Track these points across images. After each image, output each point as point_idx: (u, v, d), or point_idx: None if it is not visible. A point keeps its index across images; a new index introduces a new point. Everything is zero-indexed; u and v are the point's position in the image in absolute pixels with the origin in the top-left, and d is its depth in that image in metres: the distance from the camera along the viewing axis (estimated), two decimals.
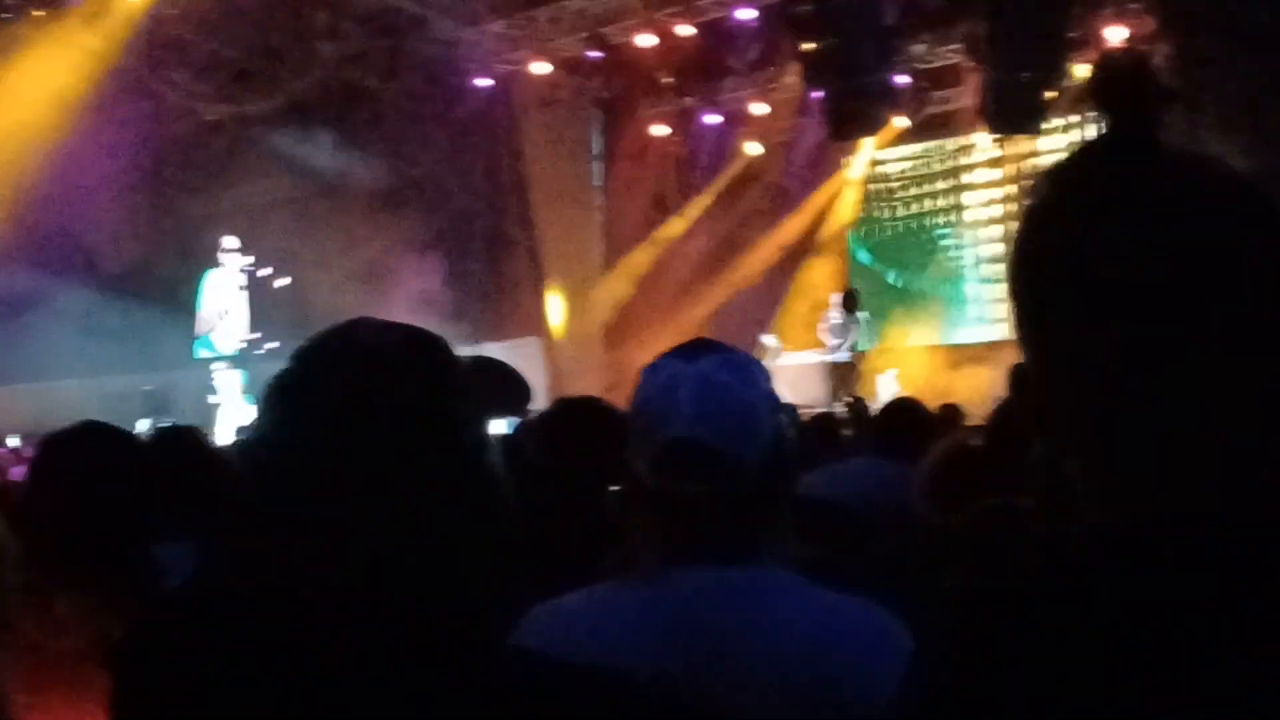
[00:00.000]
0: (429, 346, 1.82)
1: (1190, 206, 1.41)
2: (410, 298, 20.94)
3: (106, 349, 21.72)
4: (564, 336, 22.73)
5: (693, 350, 2.41)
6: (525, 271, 23.05)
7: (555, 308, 23.01)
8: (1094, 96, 1.47)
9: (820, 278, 21.96)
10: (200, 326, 24.91)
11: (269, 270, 21.54)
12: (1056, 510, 3.60)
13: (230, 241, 22.31)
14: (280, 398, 1.78)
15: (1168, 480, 1.38)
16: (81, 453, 3.66)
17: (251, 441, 1.81)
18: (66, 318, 21.32)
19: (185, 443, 5.06)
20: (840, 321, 19.09)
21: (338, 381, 1.74)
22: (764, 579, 2.36)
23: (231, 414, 20.05)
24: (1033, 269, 1.46)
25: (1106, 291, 1.38)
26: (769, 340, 19.86)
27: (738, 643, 2.30)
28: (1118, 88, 1.47)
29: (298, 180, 23.12)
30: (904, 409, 6.62)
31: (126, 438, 4.06)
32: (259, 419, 1.80)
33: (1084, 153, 1.47)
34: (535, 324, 22.54)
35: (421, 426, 1.72)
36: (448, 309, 20.68)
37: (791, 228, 22.60)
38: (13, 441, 18.52)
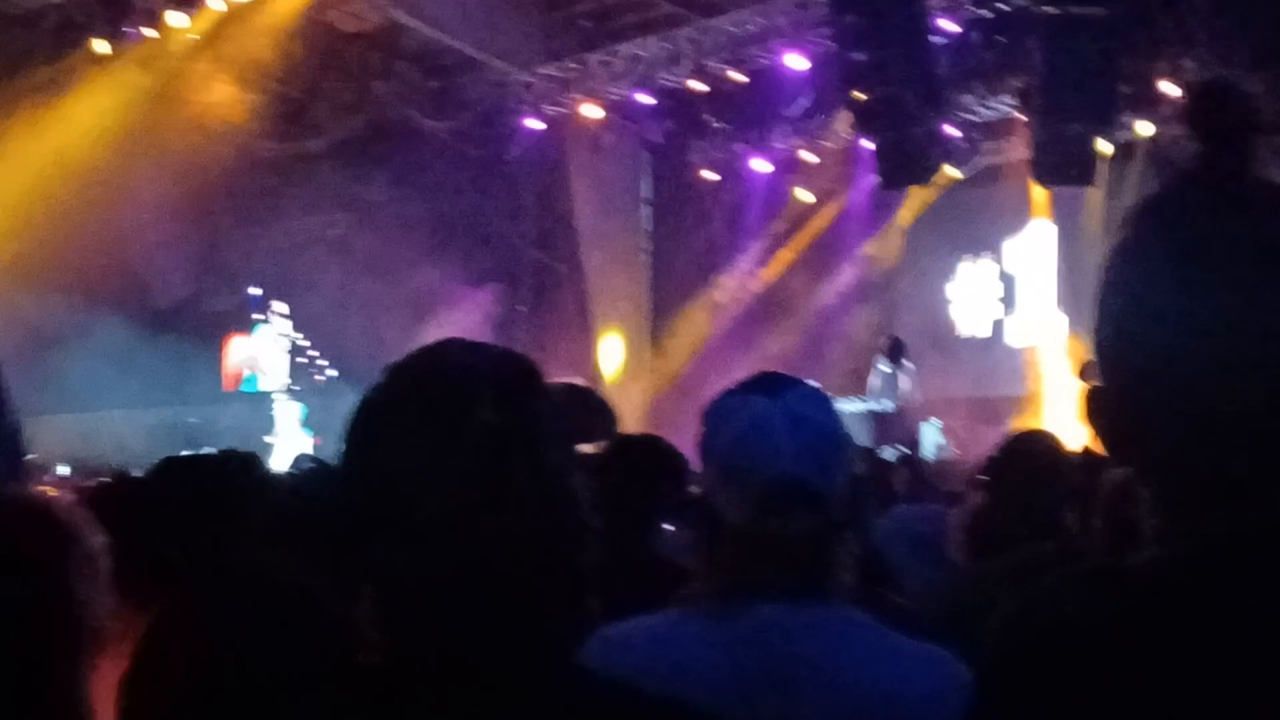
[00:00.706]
0: (516, 369, 1.84)
1: (1275, 237, 1.41)
2: (457, 332, 20.96)
3: (151, 381, 21.85)
4: (610, 379, 22.75)
5: (771, 384, 2.41)
6: (572, 314, 23.09)
7: (602, 350, 23.03)
8: (1186, 122, 1.48)
9: (867, 326, 21.89)
10: (243, 369, 25.16)
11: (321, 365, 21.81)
12: (1121, 541, 3.60)
13: (280, 307, 22.65)
14: (369, 416, 1.81)
15: (1242, 507, 1.38)
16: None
17: (341, 457, 1.83)
18: (113, 349, 21.45)
19: (247, 465, 5.12)
20: (886, 370, 19.04)
21: (425, 401, 1.77)
22: (837, 619, 2.37)
23: (287, 445, 20.14)
24: (1119, 301, 1.46)
25: (1192, 324, 1.38)
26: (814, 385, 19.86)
27: (808, 681, 2.30)
28: (1210, 115, 1.49)
29: (348, 217, 23.28)
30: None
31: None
32: (348, 435, 1.83)
33: (1174, 186, 1.47)
34: (582, 366, 22.55)
35: (505, 447, 1.74)
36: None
37: (840, 275, 22.56)
38: (62, 470, 18.65)
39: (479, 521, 1.71)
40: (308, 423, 21.09)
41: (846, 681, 2.31)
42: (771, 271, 23.17)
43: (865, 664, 2.34)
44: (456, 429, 1.74)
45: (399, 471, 1.73)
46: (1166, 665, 1.34)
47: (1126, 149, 18.44)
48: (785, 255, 23.19)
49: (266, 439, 21.16)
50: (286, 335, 24.68)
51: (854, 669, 2.33)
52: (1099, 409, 1.47)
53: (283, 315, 24.31)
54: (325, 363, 23.63)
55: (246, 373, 25.96)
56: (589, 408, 3.47)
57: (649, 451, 4.81)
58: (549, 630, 1.79)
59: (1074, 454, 5.18)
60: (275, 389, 24.90)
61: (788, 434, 2.30)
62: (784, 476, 2.28)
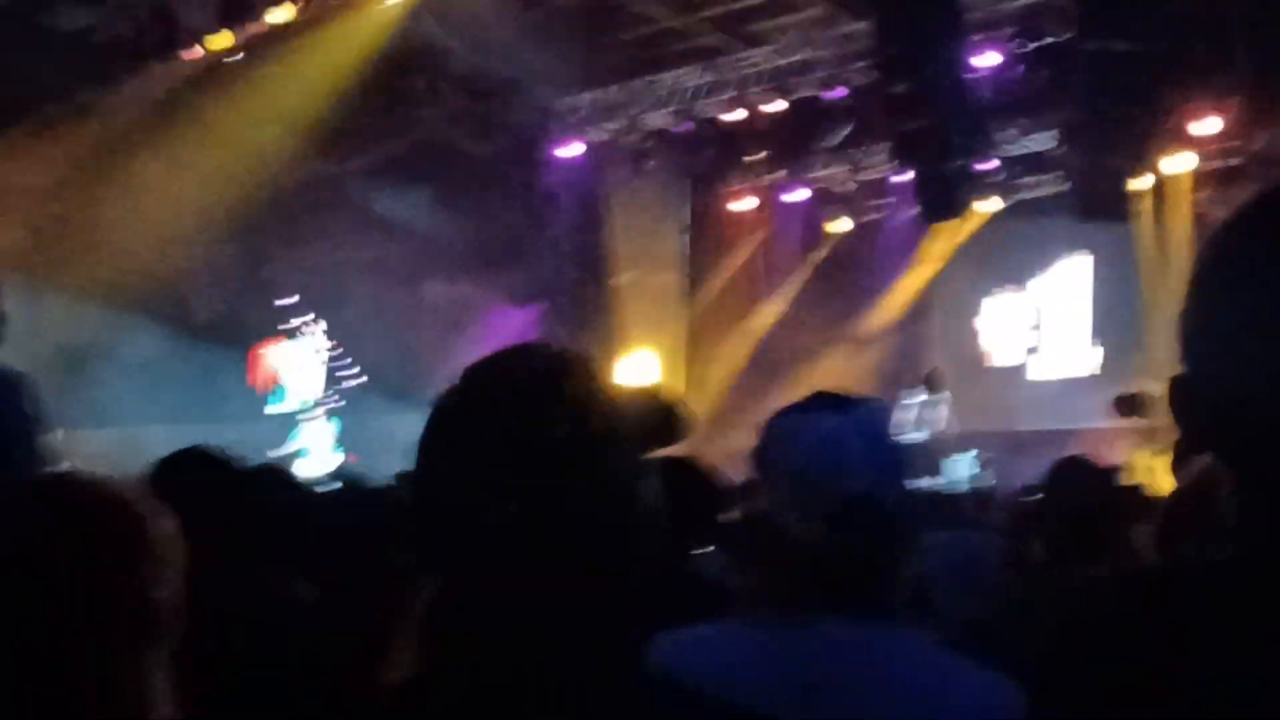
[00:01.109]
0: (589, 373, 1.88)
1: None
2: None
3: (187, 397, 21.90)
4: None
5: (834, 402, 2.43)
6: (608, 338, 23.10)
7: (637, 375, 23.01)
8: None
9: (900, 357, 21.85)
10: (275, 378, 25.16)
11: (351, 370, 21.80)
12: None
13: (321, 325, 22.70)
14: (442, 420, 1.85)
15: None
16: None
17: (416, 462, 1.86)
18: (149, 364, 21.51)
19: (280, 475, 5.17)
20: (923, 400, 19.03)
21: (498, 405, 1.80)
22: (900, 636, 2.40)
23: (316, 463, 20.16)
24: (1215, 289, 1.45)
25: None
26: None
27: (869, 697, 2.32)
28: None
29: (388, 237, 23.34)
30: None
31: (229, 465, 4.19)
32: (422, 438, 1.86)
33: (1260, 199, 1.48)
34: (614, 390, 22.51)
35: (577, 451, 1.77)
36: None
37: (878, 306, 22.54)
38: None
39: (549, 526, 1.74)
40: (341, 441, 21.10)
41: (907, 699, 2.33)
42: (807, 301, 23.14)
43: (926, 683, 2.36)
44: (529, 433, 1.76)
45: (471, 475, 1.77)
46: (1229, 667, 1.36)
47: (1166, 182, 18.43)
48: (819, 285, 23.17)
49: (292, 450, 21.15)
50: (322, 350, 24.71)
51: (914, 687, 2.35)
52: (1185, 397, 1.48)
53: (320, 331, 24.35)
54: (363, 379, 23.68)
55: (277, 383, 26.01)
56: (662, 412, 3.52)
57: (683, 472, 4.79)
58: (617, 634, 1.81)
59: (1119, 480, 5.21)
60: (305, 403, 24.96)
61: (858, 450, 2.32)
62: (856, 493, 2.30)
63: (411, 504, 1.88)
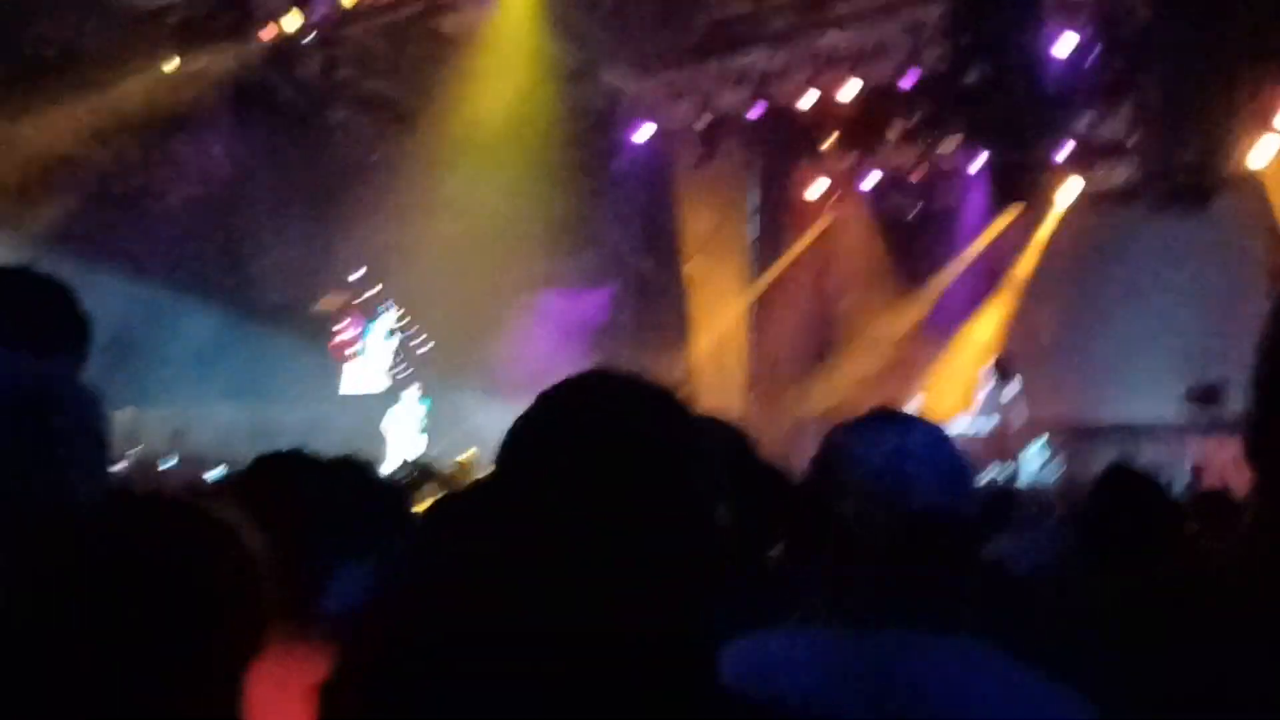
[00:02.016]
0: (669, 398, 1.87)
1: None
2: (560, 342, 21.09)
3: (256, 377, 22.09)
4: (708, 388, 22.77)
5: (896, 419, 2.46)
6: (673, 322, 23.14)
7: (701, 361, 23.04)
8: None
9: (978, 343, 21.74)
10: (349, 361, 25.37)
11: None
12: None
13: (390, 306, 22.94)
14: (522, 442, 1.85)
15: None
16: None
17: (496, 471, 1.87)
18: (219, 341, 21.72)
19: (359, 470, 5.18)
20: (993, 386, 18.94)
21: (581, 427, 1.81)
22: (967, 648, 2.39)
23: (402, 446, 20.29)
24: None
25: None
26: (913, 404, 19.70)
27: (937, 707, 2.33)
28: None
29: (458, 219, 23.42)
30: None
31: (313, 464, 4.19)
32: (499, 458, 1.88)
33: None
34: (682, 372, 22.57)
35: (655, 471, 1.78)
36: (598, 354, 20.82)
37: (948, 292, 22.43)
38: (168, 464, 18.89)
39: (630, 545, 1.75)
40: (426, 425, 21.21)
41: (973, 711, 2.34)
42: (876, 285, 23.08)
43: (993, 695, 2.36)
44: (612, 450, 1.78)
45: (552, 488, 1.77)
46: None
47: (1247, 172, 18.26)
48: (890, 271, 23.10)
49: (384, 430, 21.25)
50: (395, 333, 24.90)
51: (981, 700, 2.35)
52: (1262, 441, 1.46)
53: (392, 311, 24.55)
54: (435, 357, 23.85)
55: (351, 365, 26.25)
56: (729, 441, 3.49)
57: (757, 472, 4.77)
58: (694, 650, 1.82)
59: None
60: (377, 388, 25.12)
61: (926, 466, 2.36)
62: (926, 508, 2.33)
63: (493, 521, 1.89)
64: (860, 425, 2.48)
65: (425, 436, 20.90)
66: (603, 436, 1.80)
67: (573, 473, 1.78)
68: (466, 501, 4.12)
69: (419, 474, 8.64)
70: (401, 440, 20.72)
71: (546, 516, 1.78)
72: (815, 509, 2.48)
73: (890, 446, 2.39)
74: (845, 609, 2.40)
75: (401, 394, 21.73)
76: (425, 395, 21.42)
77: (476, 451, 16.36)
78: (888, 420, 2.47)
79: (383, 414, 22.26)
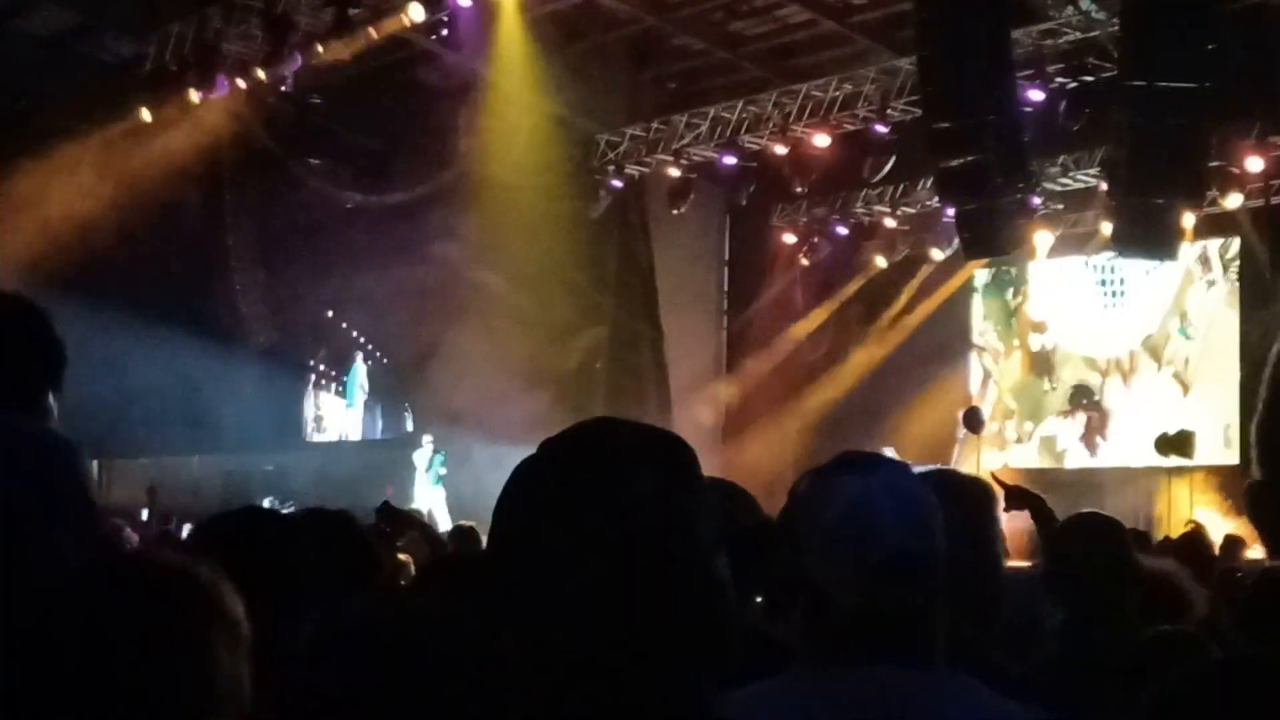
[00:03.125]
0: (673, 448, 1.89)
1: None
2: (534, 387, 21.09)
3: (226, 427, 22.01)
4: (683, 432, 22.76)
5: (859, 462, 2.47)
6: (648, 368, 23.18)
7: (677, 407, 23.07)
8: None
9: (947, 394, 21.78)
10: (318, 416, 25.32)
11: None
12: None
13: (361, 356, 22.98)
14: (524, 490, 1.87)
15: None
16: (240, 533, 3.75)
17: (495, 526, 1.89)
18: (189, 394, 21.63)
19: (330, 522, 5.13)
20: (961, 439, 19.01)
21: (584, 476, 1.82)
22: (945, 681, 2.41)
23: (419, 495, 20.15)
24: None
25: None
26: (889, 452, 19.70)
27: None
28: None
29: (430, 269, 23.44)
30: None
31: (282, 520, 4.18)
32: (499, 507, 1.89)
33: None
34: (657, 419, 22.59)
35: (656, 522, 1.79)
36: (572, 401, 20.82)
37: (918, 341, 22.47)
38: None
39: (631, 595, 1.76)
40: (438, 474, 21.04)
41: None
42: (846, 334, 23.16)
43: None
44: (615, 504, 1.78)
45: (553, 540, 1.78)
46: None
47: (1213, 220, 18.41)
48: (859, 319, 23.18)
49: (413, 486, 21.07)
50: (364, 386, 24.91)
51: None
52: (1265, 502, 1.47)
53: (363, 363, 24.54)
54: (407, 411, 23.81)
55: (319, 419, 26.18)
56: (733, 499, 3.51)
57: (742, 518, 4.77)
58: (696, 703, 1.84)
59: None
60: (352, 435, 25.09)
61: (889, 509, 2.35)
62: (892, 552, 2.33)
63: (495, 568, 1.89)
64: (823, 473, 2.47)
65: (441, 488, 20.71)
66: (606, 487, 1.80)
67: (575, 525, 1.78)
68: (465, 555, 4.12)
69: (398, 522, 8.54)
70: (420, 490, 20.56)
71: (543, 566, 1.79)
72: (786, 559, 2.49)
73: (853, 493, 2.38)
74: (822, 652, 2.42)
75: (421, 443, 21.48)
76: (438, 448, 21.23)
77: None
78: (851, 466, 2.46)
79: (355, 461, 22.22)
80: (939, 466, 2.53)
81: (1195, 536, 10.13)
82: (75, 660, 2.04)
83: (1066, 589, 4.89)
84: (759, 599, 4.44)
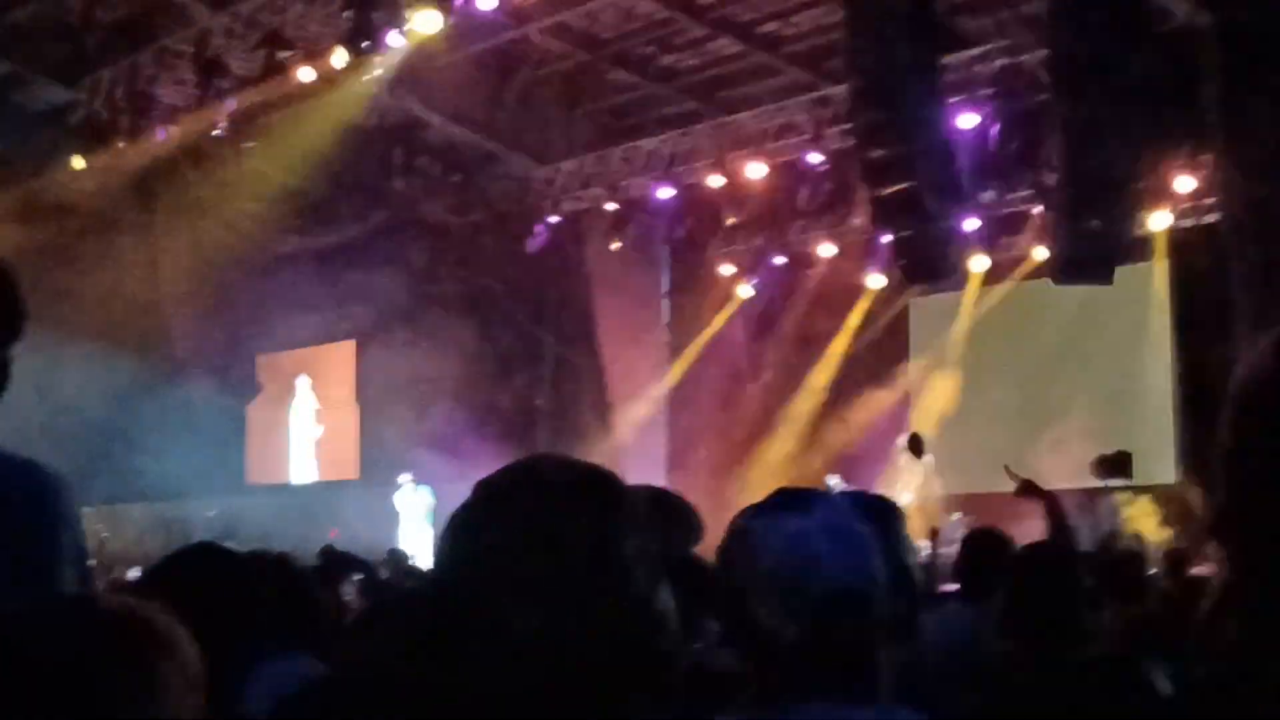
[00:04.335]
0: (605, 484, 1.88)
1: None
2: (477, 425, 21.06)
3: (171, 473, 21.85)
4: (627, 473, 22.74)
5: (797, 500, 2.47)
6: (590, 405, 23.17)
7: (620, 441, 23.05)
8: None
9: (886, 417, 21.81)
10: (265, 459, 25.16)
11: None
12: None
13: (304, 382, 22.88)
14: (462, 529, 1.86)
15: None
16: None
17: (433, 575, 1.89)
18: (134, 438, 21.48)
19: (274, 564, 5.10)
20: (904, 465, 19.04)
21: (520, 514, 1.82)
22: (887, 716, 2.43)
23: (412, 534, 19.93)
24: (1253, 438, 1.42)
25: None
26: (834, 481, 19.71)
27: None
28: None
29: (367, 310, 23.41)
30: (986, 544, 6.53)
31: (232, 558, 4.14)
32: (439, 547, 1.89)
33: None
34: (600, 456, 22.58)
35: (594, 561, 1.79)
36: (515, 440, 20.80)
37: (860, 368, 22.51)
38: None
39: (571, 632, 1.76)
40: (432, 513, 20.81)
41: None
42: (789, 362, 23.18)
43: None
44: (551, 542, 1.79)
45: (493, 583, 1.78)
46: None
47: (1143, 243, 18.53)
48: (801, 348, 23.21)
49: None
50: (310, 424, 24.79)
51: None
52: (1231, 528, 1.46)
53: (309, 405, 24.47)
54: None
55: (256, 458, 26.06)
56: (674, 514, 3.50)
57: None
58: None
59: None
60: (294, 478, 24.94)
61: (827, 547, 2.36)
62: (831, 590, 2.34)
63: (435, 610, 1.89)
64: (761, 511, 2.48)
65: (431, 526, 20.45)
66: (540, 529, 1.80)
67: (510, 569, 1.78)
68: (405, 597, 4.10)
69: (339, 562, 8.53)
70: (408, 532, 20.31)
71: (484, 609, 1.78)
72: (726, 597, 2.50)
73: (791, 531, 2.39)
74: (766, 689, 2.41)
75: (400, 483, 21.25)
76: (419, 483, 20.99)
77: None
78: (788, 503, 2.47)
79: (296, 504, 22.09)
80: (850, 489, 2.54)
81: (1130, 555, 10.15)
82: (17, 703, 2.01)
83: (1022, 622, 4.90)
84: (713, 625, 4.44)
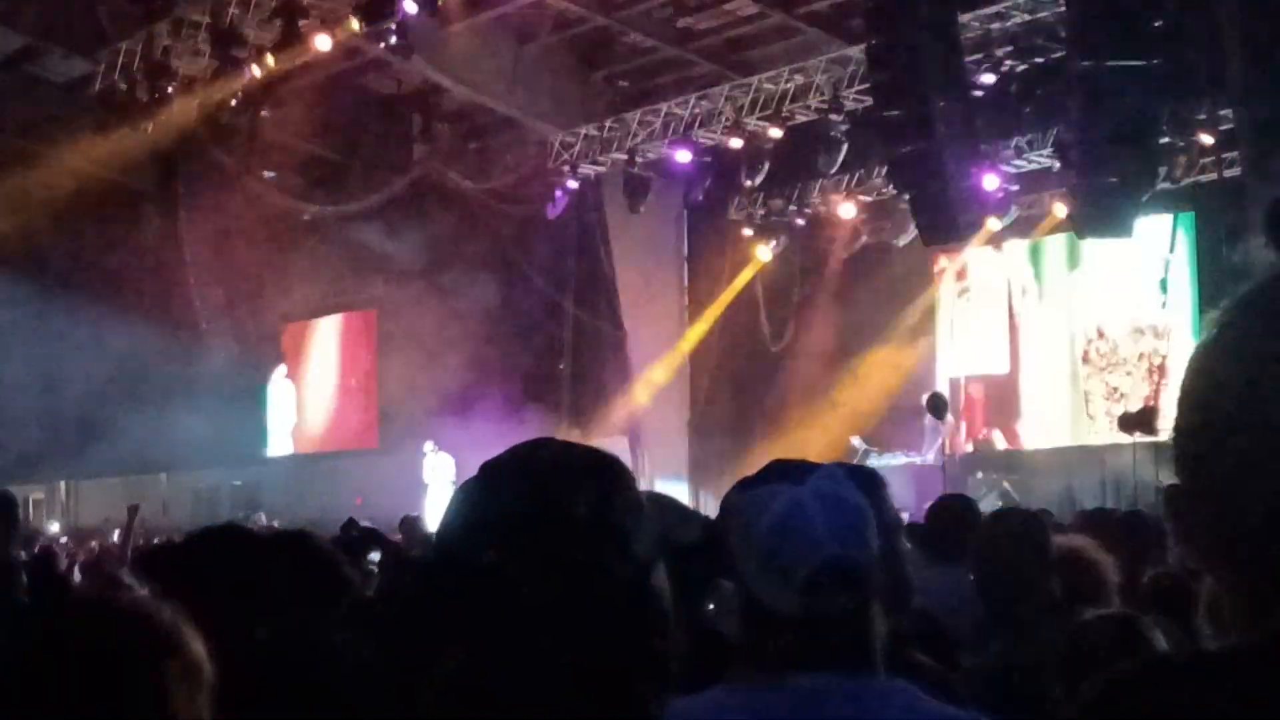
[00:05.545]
0: (608, 468, 1.89)
1: None
2: (498, 391, 21.08)
3: (194, 443, 21.94)
4: (650, 435, 22.80)
5: (791, 471, 2.47)
6: (611, 369, 23.18)
7: (642, 405, 23.06)
8: (1267, 230, 1.44)
9: (911, 379, 21.74)
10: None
11: None
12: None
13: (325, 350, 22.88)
14: (466, 511, 1.87)
15: None
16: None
17: (436, 548, 1.89)
18: (158, 411, 21.55)
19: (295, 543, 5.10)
20: (928, 425, 19.01)
21: (523, 496, 1.83)
22: (884, 688, 2.43)
23: (439, 498, 19.86)
24: (1216, 395, 1.41)
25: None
26: (858, 442, 19.71)
27: None
28: None
29: (386, 277, 23.44)
30: (951, 509, 6.62)
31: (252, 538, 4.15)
32: (442, 527, 1.90)
33: (1275, 281, 1.41)
34: (622, 422, 22.62)
35: (595, 541, 1.80)
36: (536, 406, 20.84)
37: (881, 329, 22.44)
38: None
39: (572, 613, 1.77)
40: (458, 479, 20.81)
41: None
42: (811, 324, 23.13)
43: None
44: (553, 523, 1.79)
45: (497, 564, 1.79)
46: None
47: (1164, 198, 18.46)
48: (819, 310, 23.15)
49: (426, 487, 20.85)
50: (328, 397, 24.83)
51: None
52: (1183, 509, 1.44)
53: (326, 377, 24.51)
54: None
55: (278, 428, 26.11)
56: (675, 511, 3.51)
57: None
58: (636, 711, 1.83)
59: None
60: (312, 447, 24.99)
61: (821, 518, 2.35)
62: (825, 561, 2.33)
63: (439, 585, 1.90)
64: (754, 482, 2.48)
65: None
66: (542, 511, 1.81)
67: (513, 549, 1.79)
68: (410, 581, 4.10)
69: (362, 538, 8.55)
70: (437, 497, 20.28)
71: (489, 593, 1.79)
72: (722, 569, 2.50)
73: (785, 502, 2.38)
74: (762, 660, 2.42)
75: (425, 451, 21.20)
76: (440, 450, 20.95)
77: None
78: (781, 475, 2.46)
79: (318, 472, 22.15)
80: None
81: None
82: (27, 701, 2.03)
83: (993, 586, 4.96)
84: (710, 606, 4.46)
